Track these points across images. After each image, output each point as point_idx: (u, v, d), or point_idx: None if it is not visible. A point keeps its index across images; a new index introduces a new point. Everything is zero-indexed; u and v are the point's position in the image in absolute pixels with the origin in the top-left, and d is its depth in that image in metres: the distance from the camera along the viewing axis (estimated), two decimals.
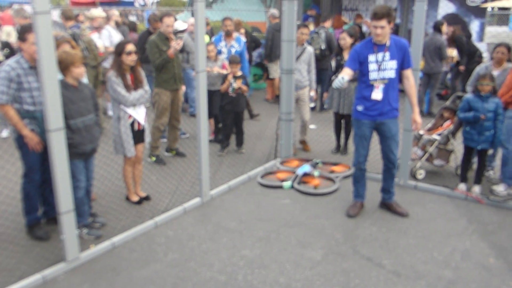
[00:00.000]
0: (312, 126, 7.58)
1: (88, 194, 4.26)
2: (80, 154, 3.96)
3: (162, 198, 4.97)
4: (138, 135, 4.68)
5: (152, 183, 5.42)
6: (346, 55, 6.13)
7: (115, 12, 8.59)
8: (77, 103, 3.89)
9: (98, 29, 7.73)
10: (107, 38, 7.64)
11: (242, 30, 8.67)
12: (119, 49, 4.48)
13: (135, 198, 4.91)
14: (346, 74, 4.21)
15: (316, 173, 3.47)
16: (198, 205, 4.89)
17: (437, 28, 8.59)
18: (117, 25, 8.45)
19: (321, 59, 8.25)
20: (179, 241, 4.18)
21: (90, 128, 4.01)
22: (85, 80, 4.81)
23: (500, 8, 20.49)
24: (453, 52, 9.05)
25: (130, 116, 4.58)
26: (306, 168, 3.52)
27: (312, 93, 6.63)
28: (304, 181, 3.52)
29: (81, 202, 4.02)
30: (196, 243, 4.13)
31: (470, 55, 8.75)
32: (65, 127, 3.50)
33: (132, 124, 4.62)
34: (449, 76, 9.91)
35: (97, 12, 7.94)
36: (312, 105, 7.16)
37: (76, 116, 3.87)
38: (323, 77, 7.98)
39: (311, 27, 9.23)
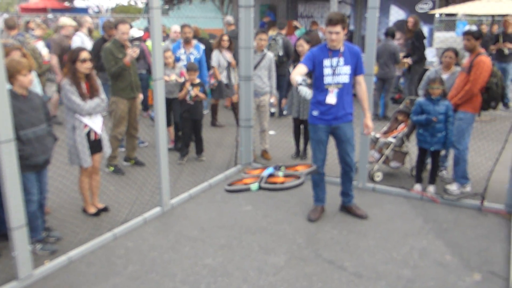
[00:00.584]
0: (271, 132, 7.63)
1: (42, 207, 4.09)
2: (32, 166, 3.80)
3: (121, 209, 4.85)
4: (94, 145, 4.56)
5: (110, 193, 5.28)
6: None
7: (87, 19, 8.43)
8: (28, 113, 3.74)
9: (68, 37, 7.67)
10: (80, 45, 7.47)
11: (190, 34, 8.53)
12: (73, 57, 4.35)
13: (92, 210, 4.77)
14: (299, 71, 4.23)
15: (280, 173, 3.58)
16: (158, 215, 4.80)
17: (389, 34, 8.89)
18: (90, 31, 8.29)
19: (279, 65, 8.33)
20: (140, 252, 4.08)
21: (42, 139, 3.86)
22: (37, 89, 4.64)
23: (447, 15, 21.41)
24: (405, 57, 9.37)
25: (86, 125, 4.45)
26: (270, 170, 3.64)
27: (273, 99, 6.67)
28: (269, 181, 3.66)
29: (34, 216, 3.86)
30: (157, 254, 4.05)
31: (422, 55, 9.04)
32: (16, 138, 3.35)
33: (88, 134, 4.49)
34: (402, 80, 10.23)
35: (68, 20, 7.80)
36: (273, 110, 7.21)
37: (27, 127, 3.71)
38: (282, 83, 8.06)
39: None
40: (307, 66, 4.33)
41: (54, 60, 7.64)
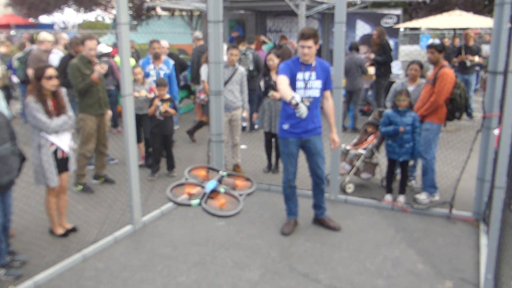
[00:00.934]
0: (242, 146, 7.62)
1: (6, 230, 3.94)
2: None
3: (91, 229, 4.72)
4: (62, 164, 4.44)
5: (79, 213, 5.14)
6: (274, 76, 6.26)
7: (64, 36, 8.29)
8: None
9: (46, 51, 7.62)
10: (56, 62, 7.35)
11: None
12: (39, 74, 4.25)
13: (60, 231, 4.62)
14: (286, 83, 4.18)
15: (222, 189, 3.51)
16: (130, 233, 4.70)
17: (353, 48, 9.13)
18: (66, 48, 8.16)
19: (249, 79, 8.36)
20: (110, 273, 3.97)
21: (6, 159, 3.72)
22: (2, 106, 4.51)
23: (411, 29, 22.08)
24: (371, 70, 9.58)
25: (52, 143, 4.33)
26: (213, 184, 3.56)
27: (245, 114, 6.67)
28: (212, 197, 3.59)
29: None
30: (129, 274, 3.95)
31: (387, 68, 9.24)
32: None
33: (55, 152, 4.37)
34: (370, 93, 10.45)
35: (47, 35, 7.70)
36: (244, 124, 7.22)
37: None
38: (252, 97, 8.09)
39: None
40: (288, 76, 4.35)
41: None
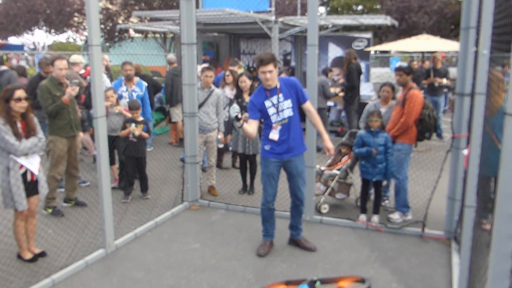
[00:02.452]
0: (220, 146, 7.53)
1: None
2: None
3: (61, 253, 4.58)
4: (31, 187, 4.32)
5: (48, 237, 4.99)
6: (246, 97, 6.29)
7: (105, 57, 8.28)
8: None
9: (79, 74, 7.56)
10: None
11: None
12: (7, 95, 4.16)
13: (28, 256, 4.47)
14: (251, 125, 4.37)
15: (317, 284, 2.92)
16: (101, 257, 4.57)
17: (324, 72, 9.33)
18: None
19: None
20: None
21: None
22: None
23: (382, 52, 22.69)
24: (337, 90, 9.76)
25: (21, 166, 4.22)
26: (304, 287, 2.93)
27: (220, 136, 6.64)
28: None
29: None
30: None
31: (354, 88, 9.40)
32: None
33: (24, 175, 4.25)
34: (343, 114, 10.62)
35: (79, 57, 8.02)
36: (221, 146, 7.19)
37: None
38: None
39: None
40: (255, 118, 4.42)
41: None
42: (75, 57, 8.04)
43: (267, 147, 4.53)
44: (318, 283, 3.03)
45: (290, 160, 4.54)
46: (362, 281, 3.22)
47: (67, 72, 5.89)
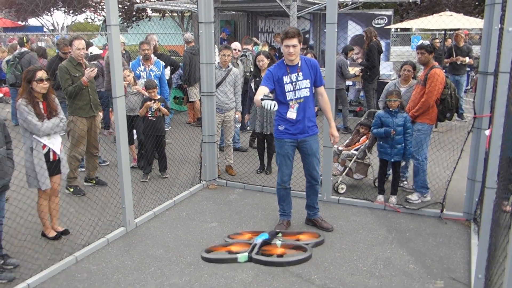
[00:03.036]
0: (238, 125, 7.57)
1: None
2: None
3: (83, 231, 4.69)
4: (53, 166, 4.41)
5: (70, 216, 5.11)
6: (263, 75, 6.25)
7: (154, 37, 8.46)
8: None
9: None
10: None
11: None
12: (29, 76, 4.23)
13: (52, 234, 4.59)
14: (262, 92, 4.27)
15: (278, 242, 3.14)
16: (122, 235, 4.68)
17: (344, 51, 9.17)
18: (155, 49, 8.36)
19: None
20: (103, 275, 3.95)
21: (0, 163, 3.69)
22: None
23: (402, 29, 22.19)
24: (356, 70, 9.59)
25: (44, 146, 4.31)
26: (264, 236, 3.16)
27: (238, 115, 6.66)
28: (265, 249, 3.16)
29: None
30: (121, 276, 3.94)
31: (374, 67, 9.22)
32: None
33: (47, 155, 4.34)
34: (362, 93, 10.49)
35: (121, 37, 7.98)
36: (238, 125, 7.20)
37: None
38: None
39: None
40: (268, 86, 4.38)
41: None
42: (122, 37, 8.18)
43: (281, 128, 4.52)
44: (279, 234, 3.15)
45: (305, 140, 4.53)
46: (318, 236, 3.36)
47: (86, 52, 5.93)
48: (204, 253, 3.12)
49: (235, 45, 7.99)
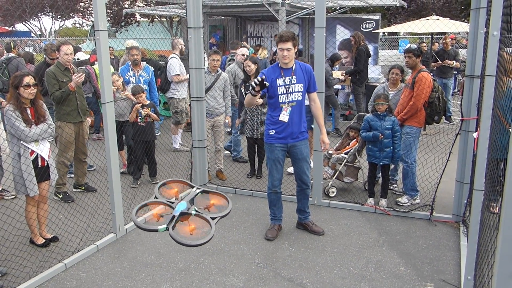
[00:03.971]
0: (226, 152, 7.60)
1: None
2: None
3: (72, 238, 4.65)
4: (41, 172, 4.37)
5: (59, 222, 5.05)
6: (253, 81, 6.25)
7: (180, 41, 8.47)
8: None
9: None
10: (177, 67, 7.83)
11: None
12: (16, 82, 4.19)
13: (40, 241, 4.54)
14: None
15: (193, 211, 3.28)
16: (112, 241, 4.64)
17: (331, 59, 9.15)
18: (180, 53, 8.38)
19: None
20: (93, 282, 3.92)
21: None
22: None
23: (390, 33, 22.40)
24: (337, 74, 9.63)
25: (32, 152, 4.26)
26: (183, 206, 3.28)
27: (228, 120, 6.66)
28: (182, 220, 3.33)
29: None
30: (112, 283, 3.90)
31: (363, 71, 9.27)
32: None
33: (35, 161, 4.30)
34: (351, 97, 10.55)
35: (132, 41, 8.18)
36: (228, 130, 7.17)
37: None
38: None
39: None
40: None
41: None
42: (131, 42, 8.29)
43: (271, 132, 4.53)
44: (199, 194, 3.33)
45: (295, 145, 4.53)
46: (227, 204, 3.54)
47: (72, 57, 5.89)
48: (134, 216, 3.24)
49: (241, 50, 7.91)
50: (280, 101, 4.43)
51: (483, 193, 3.33)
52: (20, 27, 26.16)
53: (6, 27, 25.31)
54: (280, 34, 4.39)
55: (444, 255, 4.32)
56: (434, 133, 8.87)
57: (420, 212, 5.17)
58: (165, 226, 3.20)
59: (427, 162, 5.74)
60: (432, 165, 5.66)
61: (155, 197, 3.41)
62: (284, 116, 4.43)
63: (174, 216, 3.25)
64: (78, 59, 8.31)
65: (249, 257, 4.32)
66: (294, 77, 4.43)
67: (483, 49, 4.23)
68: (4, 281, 3.87)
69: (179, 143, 8.25)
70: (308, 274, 4.00)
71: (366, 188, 5.80)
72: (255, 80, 4.05)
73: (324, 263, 4.20)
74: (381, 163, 5.33)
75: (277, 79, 4.42)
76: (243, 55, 7.61)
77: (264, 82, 4.06)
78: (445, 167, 5.10)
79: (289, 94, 4.42)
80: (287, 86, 4.42)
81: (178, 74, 7.81)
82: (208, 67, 6.46)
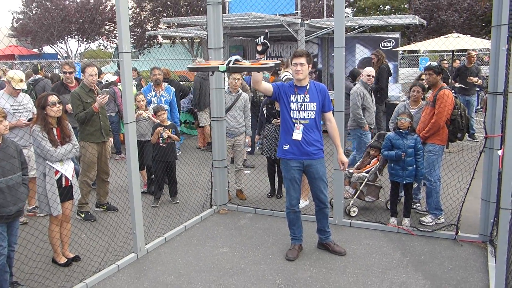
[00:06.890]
0: (246, 171, 7.61)
1: (10, 260, 3.90)
2: (2, 217, 3.63)
3: (94, 258, 4.68)
4: (65, 192, 4.43)
5: (81, 242, 5.11)
6: (276, 104, 6.25)
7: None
8: (2, 161, 3.62)
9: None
10: None
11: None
12: (42, 102, 4.30)
13: (62, 260, 4.58)
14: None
15: (247, 62, 3.74)
16: (133, 261, 4.65)
17: (352, 75, 9.08)
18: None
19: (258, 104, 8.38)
20: None
21: (16, 188, 3.72)
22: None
23: (410, 51, 22.31)
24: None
25: (56, 171, 4.34)
26: (236, 56, 3.80)
27: (248, 140, 6.68)
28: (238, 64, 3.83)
29: (1, 271, 3.66)
30: None
31: (383, 90, 9.19)
32: None
33: (59, 180, 4.37)
34: None
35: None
36: (249, 149, 7.18)
37: None
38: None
39: None
40: (275, 92, 4.48)
41: None
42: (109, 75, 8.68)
43: (285, 147, 4.53)
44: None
45: (311, 164, 4.51)
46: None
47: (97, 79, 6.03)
48: (190, 65, 3.86)
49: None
50: (292, 116, 4.45)
51: (510, 212, 3.25)
52: (47, 49, 26.94)
53: (35, 50, 26.13)
54: (294, 51, 4.52)
55: (471, 276, 4.19)
56: (457, 150, 8.71)
57: (445, 232, 5.05)
58: (224, 65, 3.70)
59: (451, 180, 5.63)
60: (456, 183, 5.55)
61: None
62: (297, 135, 4.43)
63: (230, 61, 3.73)
64: (107, 80, 8.64)
65: (270, 278, 4.27)
66: (307, 95, 4.45)
67: (505, 66, 4.17)
68: None
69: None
70: None
71: (388, 207, 5.71)
72: (259, 38, 4.25)
73: (346, 284, 4.11)
74: (404, 182, 5.24)
75: (291, 95, 4.46)
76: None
77: (265, 40, 4.25)
78: (470, 185, 4.98)
79: (301, 111, 4.44)
80: (299, 103, 4.44)
81: None
82: (228, 87, 6.52)
